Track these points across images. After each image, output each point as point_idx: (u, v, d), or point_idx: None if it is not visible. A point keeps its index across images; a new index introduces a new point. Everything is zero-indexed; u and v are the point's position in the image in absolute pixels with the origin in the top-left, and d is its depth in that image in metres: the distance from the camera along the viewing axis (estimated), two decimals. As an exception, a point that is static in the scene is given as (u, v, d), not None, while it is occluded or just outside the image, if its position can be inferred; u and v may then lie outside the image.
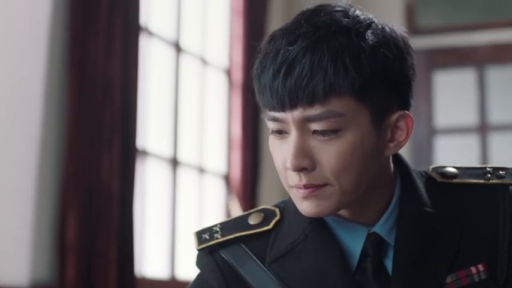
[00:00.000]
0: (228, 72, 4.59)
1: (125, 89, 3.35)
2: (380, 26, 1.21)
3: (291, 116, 1.17)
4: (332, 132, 1.17)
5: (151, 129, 3.83)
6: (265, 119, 1.22)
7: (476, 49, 5.23)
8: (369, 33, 1.18)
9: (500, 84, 5.29)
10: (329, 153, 1.17)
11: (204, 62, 4.42)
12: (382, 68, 1.18)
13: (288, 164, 1.18)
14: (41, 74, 3.11)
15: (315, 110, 1.16)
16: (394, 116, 1.21)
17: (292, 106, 1.16)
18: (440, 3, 5.54)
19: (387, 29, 1.21)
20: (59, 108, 3.16)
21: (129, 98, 3.38)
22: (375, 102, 1.18)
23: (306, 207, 1.21)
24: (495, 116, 5.22)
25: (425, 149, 5.19)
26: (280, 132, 1.20)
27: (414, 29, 4.96)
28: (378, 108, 1.19)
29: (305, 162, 1.18)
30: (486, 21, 5.31)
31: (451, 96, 5.34)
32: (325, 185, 1.19)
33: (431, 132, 5.25)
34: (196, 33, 4.39)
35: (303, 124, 1.17)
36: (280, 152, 1.21)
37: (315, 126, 1.17)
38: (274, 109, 1.18)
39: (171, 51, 4.10)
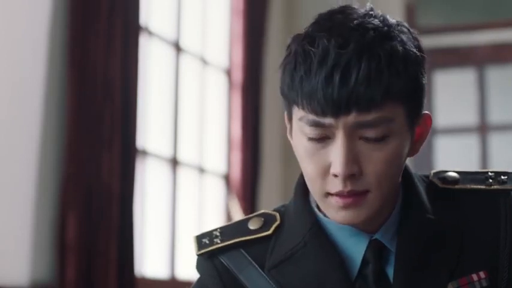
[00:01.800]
0: (228, 72, 4.59)
1: (124, 89, 3.35)
2: (406, 30, 1.21)
3: (342, 122, 1.14)
4: (381, 138, 1.16)
5: (151, 129, 3.83)
6: (299, 122, 1.18)
7: (476, 49, 5.23)
8: (403, 37, 1.19)
9: (500, 84, 5.29)
10: (376, 159, 1.16)
11: (204, 62, 4.41)
12: (420, 70, 1.19)
13: (338, 170, 1.15)
14: (41, 74, 3.11)
15: (370, 116, 1.14)
16: (421, 118, 1.23)
17: (347, 111, 1.13)
18: (440, 3, 5.54)
19: (412, 32, 1.22)
20: (59, 108, 3.16)
21: (129, 98, 3.38)
22: (412, 106, 1.19)
23: (342, 217, 1.19)
24: (495, 116, 5.22)
25: (425, 149, 5.18)
26: (320, 138, 1.17)
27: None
28: (414, 111, 1.20)
29: (354, 168, 1.16)
30: (486, 21, 5.31)
31: (451, 96, 5.33)
32: (365, 192, 1.17)
33: (431, 132, 5.20)
34: (196, 33, 4.38)
35: (353, 130, 1.15)
36: (318, 157, 1.18)
37: (367, 132, 1.15)
38: (323, 114, 1.14)
39: (171, 51, 4.10)
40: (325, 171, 1.18)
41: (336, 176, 1.16)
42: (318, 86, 1.14)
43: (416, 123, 1.22)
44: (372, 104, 1.13)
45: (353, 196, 1.17)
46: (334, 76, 1.13)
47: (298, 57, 1.17)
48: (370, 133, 1.15)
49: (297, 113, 1.19)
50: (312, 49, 1.15)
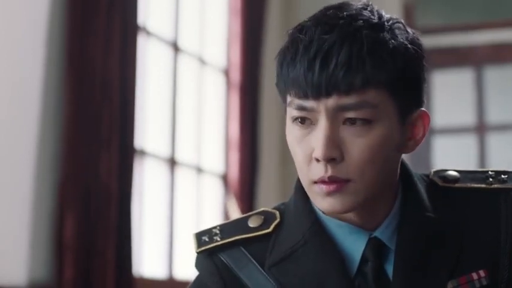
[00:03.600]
0: (226, 72, 4.59)
1: (123, 88, 3.35)
2: (402, 26, 1.22)
3: (323, 105, 1.16)
4: (364, 122, 1.16)
5: (149, 129, 3.82)
6: (288, 108, 1.21)
7: (474, 49, 5.23)
8: (397, 31, 1.20)
9: (498, 84, 5.30)
10: (359, 145, 1.17)
11: (202, 61, 4.41)
12: (412, 64, 1.20)
13: (318, 153, 1.17)
14: (39, 74, 3.10)
15: (351, 99, 1.15)
16: (416, 114, 1.23)
17: (328, 95, 1.16)
18: (440, 3, 5.55)
19: (408, 29, 1.23)
20: (57, 107, 3.15)
21: (127, 98, 3.38)
22: (403, 98, 1.19)
23: (328, 205, 1.19)
24: (493, 116, 5.23)
25: (424, 149, 5.18)
26: (304, 121, 1.19)
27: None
28: (405, 104, 1.20)
29: (335, 152, 1.16)
30: (485, 21, 5.31)
31: (449, 96, 5.33)
32: (347, 181, 1.18)
33: (430, 132, 5.17)
34: (194, 33, 4.38)
35: (335, 113, 1.16)
36: (304, 143, 1.19)
37: (349, 114, 1.16)
38: (306, 97, 1.17)
39: (169, 51, 4.10)
40: (310, 157, 1.19)
41: (318, 160, 1.17)
42: (301, 71, 1.16)
43: (409, 117, 1.22)
44: (351, 88, 1.15)
45: (335, 183, 1.17)
46: (316, 61, 1.15)
47: (288, 46, 1.20)
48: (354, 115, 1.16)
49: (287, 99, 1.21)
50: (300, 36, 1.19)
